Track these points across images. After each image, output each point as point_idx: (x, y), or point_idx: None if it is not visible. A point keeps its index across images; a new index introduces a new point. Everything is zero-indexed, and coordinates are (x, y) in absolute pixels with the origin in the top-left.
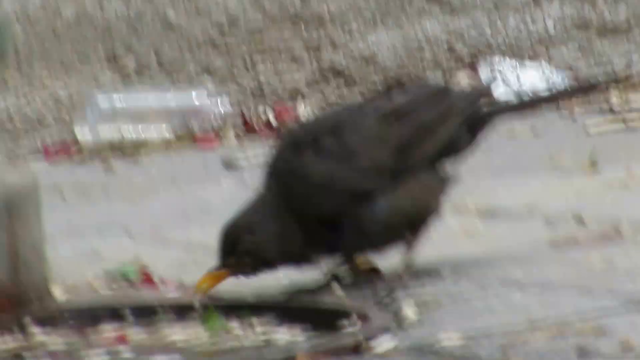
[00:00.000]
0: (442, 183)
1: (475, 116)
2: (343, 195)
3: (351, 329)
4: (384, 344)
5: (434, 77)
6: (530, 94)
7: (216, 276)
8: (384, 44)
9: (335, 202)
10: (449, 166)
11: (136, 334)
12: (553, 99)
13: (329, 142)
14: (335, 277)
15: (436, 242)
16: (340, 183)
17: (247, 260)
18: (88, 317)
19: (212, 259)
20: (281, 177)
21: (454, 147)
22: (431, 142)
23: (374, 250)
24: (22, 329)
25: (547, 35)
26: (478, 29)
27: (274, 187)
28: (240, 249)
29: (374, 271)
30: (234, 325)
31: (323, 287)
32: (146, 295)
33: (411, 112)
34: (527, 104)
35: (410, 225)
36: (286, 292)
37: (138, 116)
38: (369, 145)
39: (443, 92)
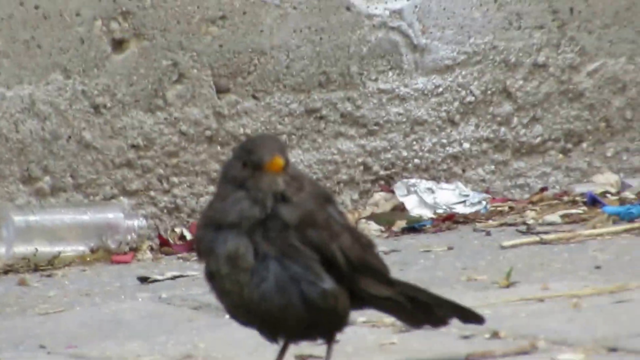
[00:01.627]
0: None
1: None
2: (320, 244)
3: None
4: None
5: (350, 197)
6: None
7: (281, 162)
8: (300, 165)
9: (306, 241)
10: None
11: None
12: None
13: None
14: None
15: (351, 356)
16: (327, 237)
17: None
18: None
19: None
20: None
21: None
22: (375, 285)
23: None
24: None
25: (463, 156)
26: (394, 149)
27: None
28: (288, 154)
29: None
30: None
31: None
32: None
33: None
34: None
35: (330, 320)
36: None
37: (53, 233)
38: (352, 234)
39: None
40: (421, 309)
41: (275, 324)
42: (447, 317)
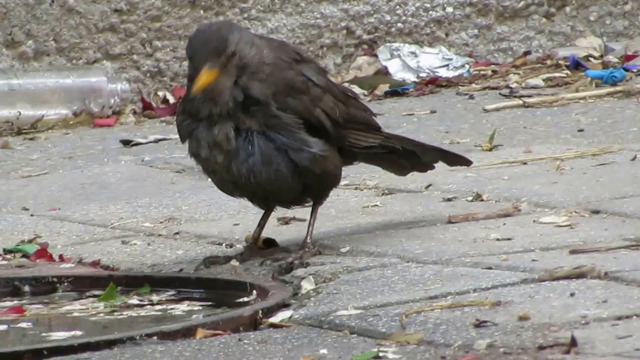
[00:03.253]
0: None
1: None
2: (302, 109)
3: (249, 303)
4: (280, 315)
5: (333, 61)
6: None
7: (211, 73)
8: (283, 29)
9: (290, 109)
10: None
11: (34, 307)
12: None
13: (310, 67)
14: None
15: (335, 218)
16: (308, 101)
17: (235, 61)
18: None
19: (109, 235)
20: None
21: (351, 159)
22: (364, 139)
23: (277, 180)
24: None
25: (447, 20)
26: (377, 13)
27: None
28: (227, 50)
29: (270, 244)
30: (133, 300)
31: (222, 262)
32: (45, 270)
33: (359, 105)
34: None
35: (319, 184)
36: (185, 266)
37: (36, 97)
38: (335, 95)
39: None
40: (408, 156)
41: (267, 194)
42: (434, 161)
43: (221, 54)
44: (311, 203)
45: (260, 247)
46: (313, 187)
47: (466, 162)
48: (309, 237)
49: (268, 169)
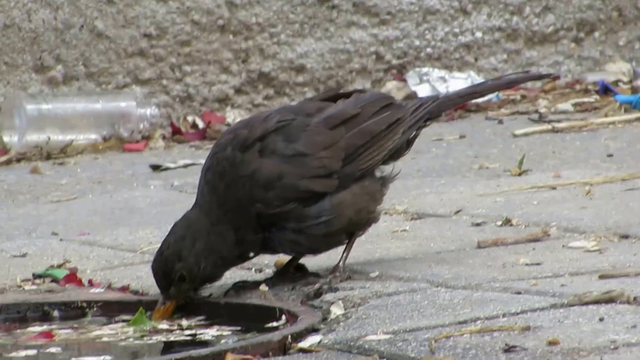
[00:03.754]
0: (382, 188)
1: (417, 126)
2: (291, 194)
3: (279, 328)
4: (309, 340)
5: (363, 86)
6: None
7: (166, 309)
8: (313, 53)
9: (281, 202)
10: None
11: (64, 332)
12: (498, 86)
13: (277, 141)
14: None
15: (364, 243)
16: (289, 183)
17: (186, 285)
18: (16, 317)
19: (139, 260)
20: (223, 175)
21: (396, 155)
22: (379, 152)
23: (312, 251)
24: None
25: (476, 45)
26: (406, 38)
27: (209, 191)
28: (175, 279)
29: (300, 269)
30: (163, 325)
31: (251, 287)
32: (74, 295)
33: (360, 121)
34: (472, 93)
35: (350, 228)
36: (214, 291)
37: (66, 121)
38: (318, 147)
39: (388, 102)
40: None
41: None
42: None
43: (170, 286)
44: None
45: (291, 272)
46: (351, 229)
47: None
48: (342, 262)
49: (301, 247)
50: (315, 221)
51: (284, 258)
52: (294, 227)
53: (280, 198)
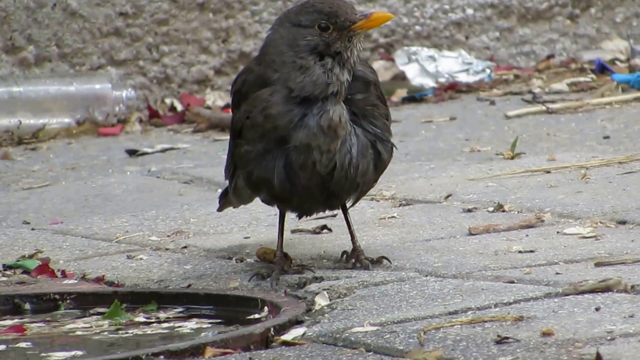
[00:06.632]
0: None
1: None
2: None
3: (261, 320)
4: (292, 332)
5: None
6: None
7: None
8: None
9: None
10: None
11: (36, 326)
12: None
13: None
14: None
15: None
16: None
17: None
18: None
19: (114, 250)
20: None
21: None
22: None
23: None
24: None
25: (467, 23)
26: (394, 15)
27: None
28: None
29: (284, 257)
30: (139, 317)
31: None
32: (46, 287)
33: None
34: None
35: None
36: (193, 282)
37: (38, 105)
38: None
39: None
40: None
41: (340, 192)
42: None
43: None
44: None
45: (271, 255)
46: (369, 183)
47: None
48: (357, 240)
49: (364, 160)
50: (389, 140)
51: (266, 247)
52: (377, 134)
53: (380, 96)
